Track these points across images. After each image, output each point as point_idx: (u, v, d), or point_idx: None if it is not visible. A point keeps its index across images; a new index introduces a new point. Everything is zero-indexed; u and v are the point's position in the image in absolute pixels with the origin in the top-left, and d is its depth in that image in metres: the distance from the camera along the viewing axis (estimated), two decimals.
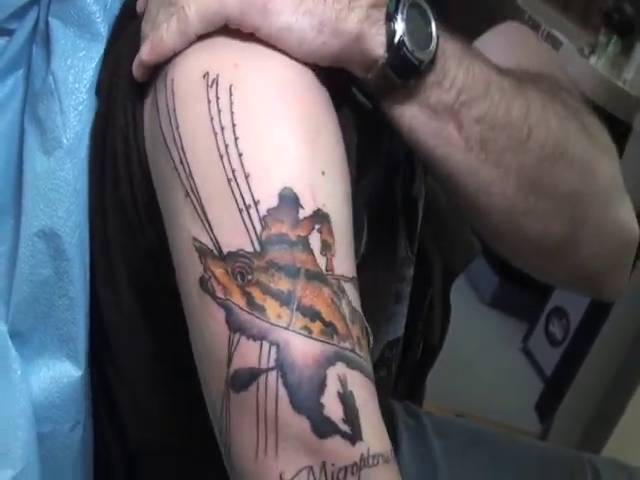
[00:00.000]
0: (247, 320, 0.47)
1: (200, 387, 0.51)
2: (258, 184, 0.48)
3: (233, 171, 0.48)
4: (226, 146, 0.49)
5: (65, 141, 0.61)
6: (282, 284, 0.47)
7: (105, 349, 0.63)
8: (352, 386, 0.47)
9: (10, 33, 0.67)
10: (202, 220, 0.49)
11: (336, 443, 0.46)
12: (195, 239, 0.49)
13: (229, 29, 0.53)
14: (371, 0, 0.54)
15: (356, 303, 0.50)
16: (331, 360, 0.47)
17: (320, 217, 0.49)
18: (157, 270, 0.57)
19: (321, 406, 0.46)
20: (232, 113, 0.49)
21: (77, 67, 0.63)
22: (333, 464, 0.45)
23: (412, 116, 0.56)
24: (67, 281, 0.60)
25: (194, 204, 0.49)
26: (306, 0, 0.52)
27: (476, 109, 0.57)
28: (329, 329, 0.47)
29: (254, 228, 0.48)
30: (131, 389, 0.64)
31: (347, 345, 0.48)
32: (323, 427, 0.46)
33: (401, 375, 1.25)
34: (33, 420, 0.57)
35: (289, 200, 0.48)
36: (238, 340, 0.47)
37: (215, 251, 0.49)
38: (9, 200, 0.64)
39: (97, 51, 0.63)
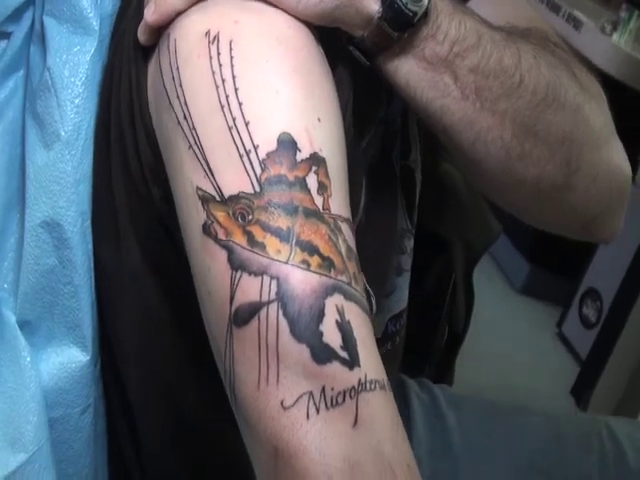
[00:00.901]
0: (248, 257, 0.49)
1: (209, 348, 0.53)
2: (257, 130, 0.51)
3: (234, 119, 0.51)
4: (227, 97, 0.52)
5: (63, 133, 0.64)
6: (281, 221, 0.50)
7: (112, 332, 0.66)
8: (349, 316, 0.49)
9: (8, 36, 0.70)
10: (205, 169, 0.52)
11: (335, 368, 0.47)
12: (198, 188, 0.52)
13: None
14: None
15: (351, 242, 0.52)
16: (329, 291, 0.49)
17: (317, 160, 0.51)
18: (166, 231, 0.60)
19: (320, 334, 0.48)
20: (232, 66, 0.52)
21: (72, 62, 0.65)
22: (332, 388, 0.47)
23: (408, 70, 0.59)
24: (71, 269, 0.62)
25: (197, 155, 0.52)
26: None
27: (469, 59, 0.59)
28: (327, 263, 0.50)
29: (254, 171, 0.51)
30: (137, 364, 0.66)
31: (344, 279, 0.50)
32: (322, 354, 0.48)
33: (428, 361, 1.26)
34: (44, 404, 0.59)
35: (287, 144, 0.51)
36: (240, 277, 0.49)
37: (217, 196, 0.51)
38: (15, 195, 0.67)
39: (91, 45, 0.66)
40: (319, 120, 0.53)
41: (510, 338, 2.11)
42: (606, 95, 0.71)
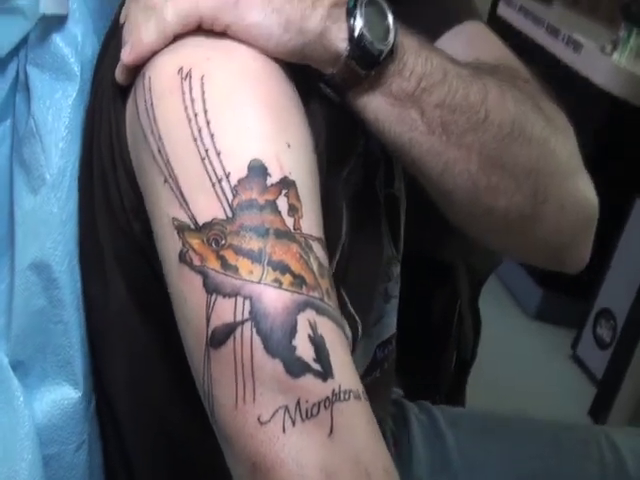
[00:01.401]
0: (222, 281, 0.51)
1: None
2: (228, 159, 0.53)
3: (206, 150, 0.54)
4: (199, 130, 0.54)
5: (49, 177, 0.66)
6: (253, 244, 0.52)
7: (104, 367, 0.67)
8: (322, 330, 0.51)
9: None
10: (179, 200, 0.54)
11: (308, 381, 0.49)
12: (174, 219, 0.54)
13: (202, 30, 0.58)
14: (332, 0, 0.59)
15: (324, 260, 0.54)
16: (301, 307, 0.51)
17: (287, 183, 0.54)
18: (149, 265, 0.61)
19: (293, 348, 0.50)
20: (204, 101, 0.55)
21: (55, 107, 0.68)
22: (307, 400, 0.49)
23: (377, 106, 0.62)
24: (60, 307, 0.64)
25: (172, 187, 0.54)
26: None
27: (436, 95, 0.62)
28: (298, 280, 0.52)
29: (226, 197, 0.53)
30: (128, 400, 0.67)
31: (316, 295, 0.52)
32: (296, 367, 0.49)
33: (437, 388, 1.27)
34: (38, 442, 0.61)
35: (258, 170, 0.53)
36: (215, 300, 0.51)
37: (192, 225, 0.53)
38: (4, 242, 0.69)
39: (73, 89, 0.68)
40: (288, 145, 0.55)
41: (525, 363, 2.11)
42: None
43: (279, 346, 0.49)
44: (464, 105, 0.62)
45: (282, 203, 0.53)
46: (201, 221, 0.53)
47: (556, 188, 0.68)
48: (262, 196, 0.53)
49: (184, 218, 0.54)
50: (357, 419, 0.50)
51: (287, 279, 0.51)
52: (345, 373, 0.51)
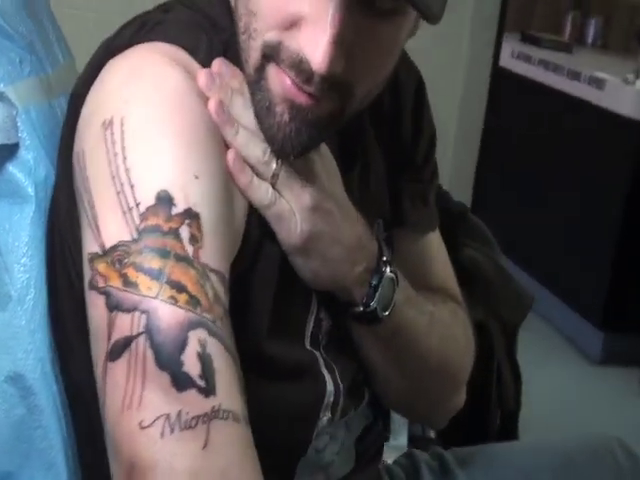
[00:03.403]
0: (122, 297, 0.57)
1: None
2: (139, 190, 0.59)
3: (122, 185, 0.60)
4: (117, 167, 0.61)
5: (14, 293, 0.72)
6: (154, 263, 0.57)
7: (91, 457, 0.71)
8: (211, 349, 0.56)
9: None
10: (95, 234, 0.60)
11: (192, 395, 0.54)
12: (89, 253, 0.60)
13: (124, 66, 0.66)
14: (368, 264, 0.74)
15: (220, 292, 0.59)
16: (193, 325, 0.56)
17: (190, 215, 0.59)
18: None
19: (181, 363, 0.55)
20: (123, 140, 0.61)
21: (14, 228, 0.74)
22: (187, 412, 0.53)
23: (363, 336, 0.79)
24: (38, 413, 0.68)
25: (91, 225, 0.61)
26: (334, 248, 0.71)
27: (404, 338, 0.80)
28: (194, 300, 0.57)
29: (134, 222, 0.58)
30: None
31: (209, 317, 0.57)
32: (181, 381, 0.54)
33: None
34: None
35: (164, 200, 0.59)
36: (115, 316, 0.57)
37: (100, 251, 0.59)
38: None
39: (30, 209, 0.75)
40: (196, 177, 0.60)
41: (596, 408, 2.07)
42: None
43: (169, 360, 0.54)
44: (416, 350, 0.81)
45: (184, 232, 0.58)
46: (108, 245, 0.59)
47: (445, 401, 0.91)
48: (166, 223, 0.58)
49: (96, 249, 0.59)
50: (233, 439, 0.55)
51: (183, 298, 0.56)
52: (228, 394, 0.55)
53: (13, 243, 0.74)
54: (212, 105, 0.65)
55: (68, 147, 0.68)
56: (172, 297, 0.56)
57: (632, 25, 3.07)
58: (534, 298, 1.46)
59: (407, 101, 0.84)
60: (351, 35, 0.60)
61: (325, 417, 0.76)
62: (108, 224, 0.60)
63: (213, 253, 0.59)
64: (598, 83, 2.69)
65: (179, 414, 0.53)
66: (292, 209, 0.68)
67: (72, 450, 0.70)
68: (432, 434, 1.32)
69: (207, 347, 0.56)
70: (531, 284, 2.52)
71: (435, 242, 0.90)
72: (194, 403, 0.54)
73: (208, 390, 0.54)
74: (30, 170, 0.76)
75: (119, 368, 0.55)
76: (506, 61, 3.07)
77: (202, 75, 0.65)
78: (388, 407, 0.88)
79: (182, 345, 0.55)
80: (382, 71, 0.67)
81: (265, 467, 0.72)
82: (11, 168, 0.76)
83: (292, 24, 0.61)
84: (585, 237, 2.62)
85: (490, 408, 1.38)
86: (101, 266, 0.59)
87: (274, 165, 0.67)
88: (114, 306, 0.57)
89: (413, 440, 1.30)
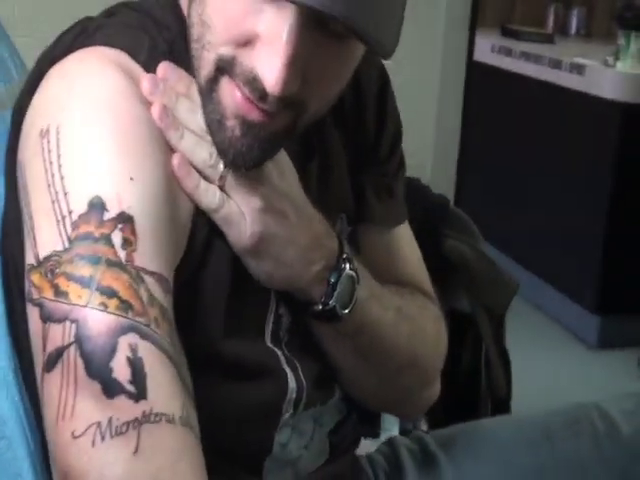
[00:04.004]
0: (54, 307, 0.57)
1: None
2: (72, 198, 0.59)
3: (56, 194, 0.60)
4: (52, 176, 0.60)
5: None
6: (84, 270, 0.57)
7: None
8: (143, 353, 0.55)
9: None
10: (32, 244, 0.60)
11: (121, 401, 0.54)
12: (27, 264, 0.60)
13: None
14: (326, 262, 0.73)
15: (157, 293, 0.58)
16: (124, 330, 0.55)
17: (123, 219, 0.59)
18: None
19: (110, 370, 0.54)
20: (58, 148, 0.61)
21: None
22: (118, 419, 0.53)
23: (324, 334, 0.78)
24: (1, 424, 0.68)
25: (30, 236, 0.61)
26: (287, 249, 0.70)
27: (367, 336, 0.79)
28: (125, 305, 0.56)
29: (66, 231, 0.58)
30: None
31: (142, 320, 0.56)
32: (111, 388, 0.54)
33: None
34: None
35: (97, 206, 0.59)
36: (48, 327, 0.56)
37: (35, 262, 0.59)
38: None
39: None
40: (132, 179, 0.60)
41: (593, 394, 2.06)
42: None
43: (98, 367, 0.54)
44: (381, 347, 0.81)
45: (116, 237, 0.58)
46: (42, 256, 0.58)
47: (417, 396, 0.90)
48: (98, 229, 0.58)
49: (32, 260, 0.59)
50: (166, 442, 0.54)
51: (113, 303, 0.56)
52: (161, 396, 0.55)
53: None
54: (155, 110, 0.65)
55: (13, 159, 0.68)
56: (102, 303, 0.56)
57: (615, 12, 3.08)
58: (519, 284, 1.46)
59: (369, 95, 0.84)
60: (306, 55, 0.59)
61: (287, 413, 0.75)
62: (43, 234, 0.59)
63: (149, 255, 0.59)
64: (579, 69, 2.70)
65: (110, 421, 0.53)
66: (241, 211, 0.67)
67: (39, 458, 0.69)
68: (424, 427, 1.32)
69: (138, 351, 0.55)
70: (521, 273, 2.52)
71: (404, 235, 0.89)
72: (124, 409, 0.54)
73: (138, 395, 0.54)
74: None
75: (53, 379, 0.55)
76: (486, 56, 3.09)
77: (145, 81, 0.65)
78: (358, 403, 0.87)
79: (112, 351, 0.55)
80: (336, 87, 0.67)
81: (233, 466, 0.73)
82: None
83: (247, 41, 0.61)
84: (573, 221, 2.63)
85: (481, 396, 1.38)
86: (35, 277, 0.58)
87: (221, 167, 0.67)
88: (47, 317, 0.57)
89: (405, 434, 1.29)
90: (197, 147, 0.66)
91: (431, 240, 1.54)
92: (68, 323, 0.55)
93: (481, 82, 2.84)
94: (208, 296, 0.68)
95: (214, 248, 0.68)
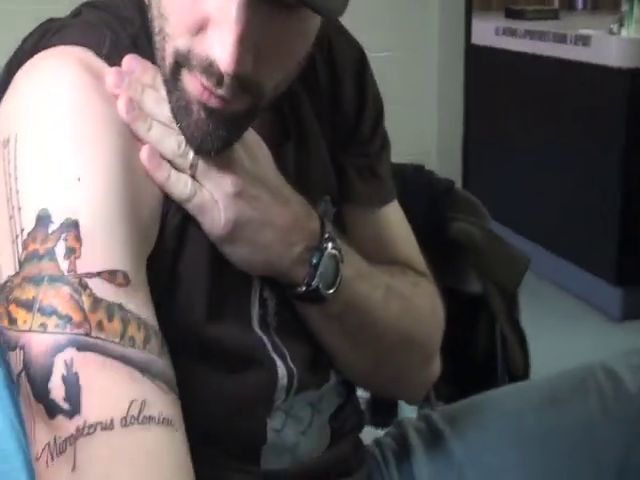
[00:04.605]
0: (9, 336, 0.57)
1: None
2: (23, 213, 0.59)
3: (13, 208, 0.59)
4: (10, 189, 0.60)
5: None
6: (29, 293, 0.57)
7: None
8: (79, 367, 0.55)
9: None
10: None
11: (60, 420, 0.54)
12: None
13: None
14: (308, 243, 0.73)
15: (105, 293, 0.58)
16: (60, 348, 0.55)
17: (67, 226, 0.58)
18: None
19: (49, 391, 0.55)
20: (15, 159, 0.61)
21: None
22: (60, 437, 0.54)
23: (312, 316, 0.77)
24: None
25: None
26: (264, 233, 0.69)
27: (354, 316, 0.79)
28: (63, 321, 0.56)
29: (17, 253, 0.58)
30: None
31: (80, 331, 0.56)
32: (51, 408, 0.55)
33: None
34: None
35: (43, 219, 0.58)
36: (9, 355, 0.57)
37: None
38: None
39: None
40: (79, 179, 0.59)
41: None
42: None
43: (40, 390, 0.55)
44: (370, 326, 0.80)
45: (60, 248, 0.57)
46: (1, 281, 0.58)
47: (415, 376, 0.89)
48: (43, 245, 0.57)
49: None
50: (102, 450, 0.54)
51: (52, 321, 0.56)
52: (94, 407, 0.55)
53: None
54: (121, 103, 0.64)
55: None
56: (42, 324, 0.56)
57: None
58: (530, 259, 1.45)
59: (345, 73, 0.83)
60: (257, 31, 0.59)
61: (279, 400, 0.74)
62: (2, 257, 0.59)
63: (97, 255, 0.58)
64: (584, 40, 2.69)
65: (55, 441, 0.54)
66: (214, 199, 0.67)
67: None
68: None
69: (73, 366, 0.55)
70: (538, 252, 2.50)
71: (392, 215, 0.88)
72: (62, 427, 0.54)
73: (72, 411, 0.54)
74: None
75: (22, 405, 0.58)
76: (490, 39, 3.07)
77: (110, 74, 0.65)
78: (357, 386, 0.86)
79: (49, 372, 0.55)
80: (292, 61, 0.66)
81: (228, 455, 0.72)
82: None
83: (200, 28, 0.61)
84: (587, 194, 2.60)
85: (498, 377, 1.37)
86: None
87: (191, 156, 0.66)
88: (7, 346, 0.58)
89: None
90: (166, 137, 0.66)
91: (438, 224, 1.54)
92: (18, 350, 0.56)
93: (483, 65, 2.83)
94: (187, 281, 0.68)
95: (189, 232, 0.68)
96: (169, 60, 0.63)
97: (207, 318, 0.69)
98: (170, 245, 0.67)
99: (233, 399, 0.71)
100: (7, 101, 0.66)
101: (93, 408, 0.55)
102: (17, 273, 0.58)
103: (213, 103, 0.62)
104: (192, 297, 0.68)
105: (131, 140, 0.65)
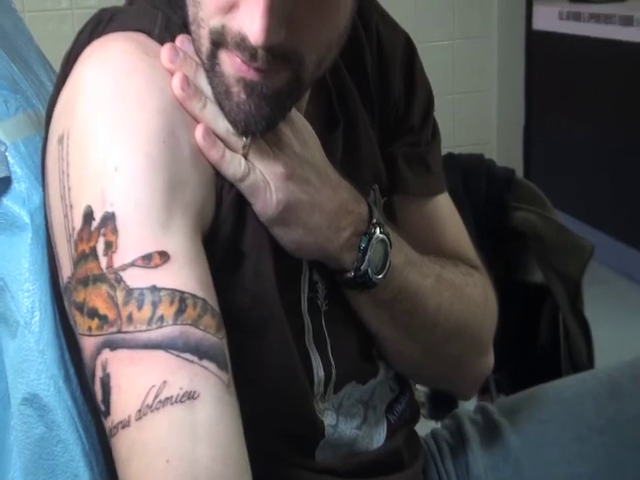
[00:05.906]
0: (77, 338, 0.60)
1: None
2: (74, 212, 0.61)
3: (66, 207, 0.61)
4: (63, 187, 0.62)
5: (20, 318, 0.74)
6: (81, 296, 0.59)
7: None
8: (111, 367, 0.57)
9: None
10: (59, 265, 0.62)
11: (105, 422, 0.57)
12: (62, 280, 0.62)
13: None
14: (356, 227, 0.73)
15: (135, 283, 0.58)
16: (99, 350, 0.57)
17: (105, 220, 0.59)
18: None
19: (95, 394, 0.58)
20: (68, 154, 0.62)
21: (15, 258, 0.77)
22: (109, 438, 0.58)
23: (361, 303, 0.78)
24: (57, 429, 0.70)
25: (57, 258, 0.63)
26: (314, 216, 0.69)
27: (405, 304, 0.79)
28: (102, 322, 0.58)
29: (71, 254, 0.60)
30: None
31: (113, 329, 0.57)
32: (102, 412, 0.57)
33: None
34: None
35: (87, 217, 0.60)
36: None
37: (63, 290, 0.61)
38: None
39: (27, 236, 0.77)
40: (116, 169, 0.60)
41: None
42: None
43: (95, 395, 0.58)
44: (423, 316, 0.80)
45: (100, 245, 0.59)
46: (63, 285, 0.61)
47: (468, 368, 0.88)
48: (88, 244, 0.59)
49: (62, 286, 0.62)
50: (123, 450, 0.56)
51: (95, 323, 0.58)
52: (119, 405, 0.57)
53: (15, 272, 0.76)
54: (176, 80, 0.65)
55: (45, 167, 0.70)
56: (89, 327, 0.58)
57: None
58: (594, 246, 1.43)
59: (394, 63, 0.83)
60: (287, 2, 0.59)
61: (318, 393, 0.75)
62: (61, 256, 0.62)
63: (131, 243, 0.59)
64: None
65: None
66: (266, 180, 0.67)
67: (96, 458, 0.71)
68: None
69: (107, 367, 0.57)
70: (602, 239, 2.45)
71: (442, 206, 0.88)
72: (106, 430, 0.58)
73: (106, 413, 0.57)
74: (24, 200, 0.79)
75: None
76: (553, 24, 3.01)
77: (165, 49, 0.66)
78: (411, 379, 0.86)
79: (93, 376, 0.58)
80: (330, 32, 0.66)
81: (283, 447, 0.73)
82: (5, 201, 0.79)
83: (232, 6, 0.61)
84: None
85: (561, 367, 1.35)
86: (66, 306, 0.62)
87: (245, 136, 0.67)
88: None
89: None
90: (219, 116, 0.66)
91: (499, 214, 1.52)
92: (82, 353, 0.60)
93: (545, 51, 2.78)
94: (253, 256, 0.68)
95: (250, 209, 0.68)
96: (206, 45, 0.64)
97: (279, 292, 0.69)
98: (229, 219, 0.67)
99: (278, 382, 0.71)
100: (63, 96, 0.67)
101: (117, 407, 0.57)
102: (73, 275, 0.60)
103: (251, 76, 0.62)
104: (260, 270, 0.69)
105: (178, 120, 0.65)
